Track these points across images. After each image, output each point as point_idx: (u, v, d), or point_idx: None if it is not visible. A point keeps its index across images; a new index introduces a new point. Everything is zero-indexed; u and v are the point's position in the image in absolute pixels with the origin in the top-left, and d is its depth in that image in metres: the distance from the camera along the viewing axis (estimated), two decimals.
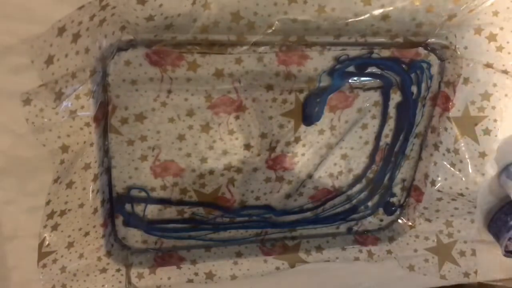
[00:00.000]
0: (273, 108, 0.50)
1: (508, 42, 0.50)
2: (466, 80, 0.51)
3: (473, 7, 0.47)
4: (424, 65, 0.51)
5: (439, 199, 0.57)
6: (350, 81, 0.50)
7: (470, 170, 0.55)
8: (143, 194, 0.51)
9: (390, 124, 0.54)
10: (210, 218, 0.54)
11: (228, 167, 0.52)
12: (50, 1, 0.38)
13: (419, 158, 0.57)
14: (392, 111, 0.54)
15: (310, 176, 0.55)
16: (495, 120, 0.53)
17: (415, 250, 0.60)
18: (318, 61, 0.49)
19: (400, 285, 0.63)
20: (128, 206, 0.51)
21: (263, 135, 0.51)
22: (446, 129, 0.53)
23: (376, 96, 0.52)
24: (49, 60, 0.39)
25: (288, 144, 0.52)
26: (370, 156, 0.56)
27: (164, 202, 0.52)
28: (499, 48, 0.50)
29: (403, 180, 0.59)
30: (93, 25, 0.39)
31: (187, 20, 0.41)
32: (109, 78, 0.44)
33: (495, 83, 0.52)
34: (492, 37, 0.50)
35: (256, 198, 0.55)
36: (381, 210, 0.60)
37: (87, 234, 0.48)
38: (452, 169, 0.55)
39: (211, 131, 0.49)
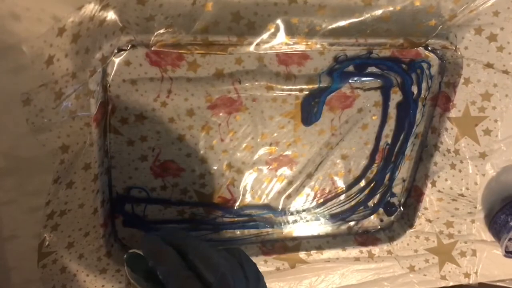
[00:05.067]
0: (273, 108, 0.50)
1: (508, 42, 0.50)
2: (466, 80, 0.51)
3: (474, 7, 0.47)
4: (424, 65, 0.51)
5: (440, 200, 0.57)
6: (350, 81, 0.50)
7: (470, 171, 0.55)
8: (143, 194, 0.51)
9: (390, 124, 0.54)
10: (210, 218, 0.54)
11: (228, 167, 0.52)
12: (50, 1, 0.38)
13: (420, 158, 0.57)
14: (392, 111, 0.53)
15: (310, 176, 0.55)
16: (495, 121, 0.53)
17: (415, 251, 0.60)
18: (318, 61, 0.49)
19: (400, 286, 0.63)
20: (128, 206, 0.51)
21: (263, 135, 0.51)
22: (446, 129, 0.53)
23: (376, 96, 0.52)
24: (49, 60, 0.39)
25: (288, 144, 0.52)
26: (370, 156, 0.56)
27: (164, 202, 0.52)
28: (500, 48, 0.50)
29: (403, 180, 0.59)
30: (93, 25, 0.39)
31: (187, 20, 0.41)
32: (109, 78, 0.44)
33: (495, 84, 0.52)
34: (492, 37, 0.50)
35: (256, 198, 0.55)
36: (381, 210, 0.60)
37: (87, 234, 0.48)
38: (452, 169, 0.55)
39: (211, 131, 0.49)
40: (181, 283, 0.32)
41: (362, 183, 0.57)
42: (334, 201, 0.57)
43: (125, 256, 0.37)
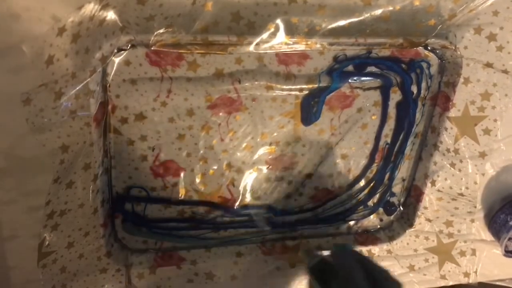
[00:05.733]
0: (273, 108, 0.50)
1: (508, 42, 0.50)
2: (466, 80, 0.51)
3: (473, 7, 0.47)
4: (424, 65, 0.51)
5: (439, 199, 0.57)
6: (349, 80, 0.50)
7: (470, 170, 0.55)
8: (143, 193, 0.51)
9: (390, 124, 0.54)
10: (210, 218, 0.54)
11: (228, 167, 0.52)
12: (51, 1, 0.38)
13: (419, 158, 0.57)
14: (392, 111, 0.54)
15: (310, 176, 0.55)
16: (495, 120, 0.53)
17: (415, 250, 0.60)
18: (318, 61, 0.49)
19: None
20: (128, 206, 0.51)
21: (263, 135, 0.51)
22: (446, 129, 0.53)
23: (376, 95, 0.52)
24: (49, 60, 0.39)
25: (288, 144, 0.52)
26: (370, 156, 0.56)
27: (164, 201, 0.52)
28: (499, 48, 0.50)
29: (403, 180, 0.59)
30: (93, 25, 0.39)
31: (187, 20, 0.41)
32: (109, 78, 0.44)
33: (495, 83, 0.52)
34: (492, 37, 0.50)
35: (256, 198, 0.55)
36: (381, 210, 0.60)
37: (87, 234, 0.48)
38: (452, 169, 0.55)
39: (211, 131, 0.49)
40: None
41: (362, 182, 0.57)
42: (334, 201, 0.57)
43: (310, 262, 0.45)
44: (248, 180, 0.53)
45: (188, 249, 0.55)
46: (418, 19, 0.46)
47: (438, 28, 0.47)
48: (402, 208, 0.60)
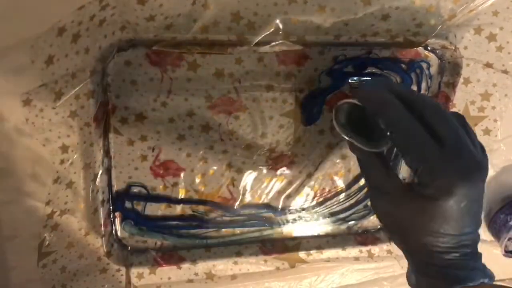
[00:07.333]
0: (273, 108, 0.50)
1: (508, 42, 0.50)
2: (466, 80, 0.51)
3: (473, 7, 0.47)
4: (424, 65, 0.51)
5: None
6: (350, 81, 0.50)
7: None
8: (143, 193, 0.51)
9: None
10: (210, 217, 0.54)
11: (228, 167, 0.52)
12: (50, 1, 0.38)
13: None
14: None
15: (310, 175, 0.55)
16: (495, 120, 0.53)
17: None
18: (318, 61, 0.49)
19: (400, 285, 0.63)
20: (128, 205, 0.51)
21: (263, 135, 0.51)
22: None
23: None
24: (49, 60, 0.39)
25: (288, 144, 0.52)
26: None
27: (164, 200, 0.52)
28: (499, 48, 0.50)
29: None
30: (93, 25, 0.39)
31: (187, 20, 0.41)
32: (109, 78, 0.44)
33: (495, 83, 0.52)
34: (492, 37, 0.50)
35: (256, 198, 0.55)
36: None
37: (87, 234, 0.48)
38: None
39: (211, 131, 0.49)
40: (409, 132, 0.30)
41: (362, 181, 0.57)
42: (333, 200, 0.57)
43: (334, 108, 0.37)
44: (248, 180, 0.53)
45: (188, 249, 0.55)
46: (418, 19, 0.46)
47: (438, 28, 0.47)
48: None
